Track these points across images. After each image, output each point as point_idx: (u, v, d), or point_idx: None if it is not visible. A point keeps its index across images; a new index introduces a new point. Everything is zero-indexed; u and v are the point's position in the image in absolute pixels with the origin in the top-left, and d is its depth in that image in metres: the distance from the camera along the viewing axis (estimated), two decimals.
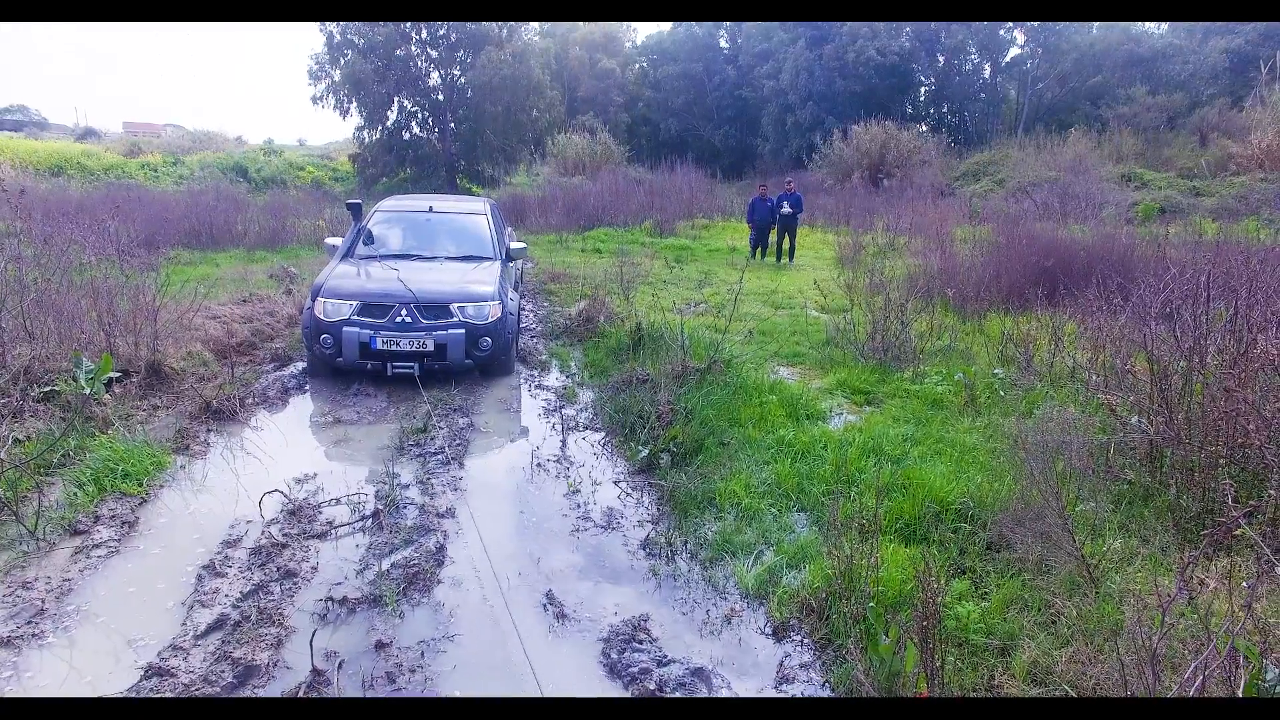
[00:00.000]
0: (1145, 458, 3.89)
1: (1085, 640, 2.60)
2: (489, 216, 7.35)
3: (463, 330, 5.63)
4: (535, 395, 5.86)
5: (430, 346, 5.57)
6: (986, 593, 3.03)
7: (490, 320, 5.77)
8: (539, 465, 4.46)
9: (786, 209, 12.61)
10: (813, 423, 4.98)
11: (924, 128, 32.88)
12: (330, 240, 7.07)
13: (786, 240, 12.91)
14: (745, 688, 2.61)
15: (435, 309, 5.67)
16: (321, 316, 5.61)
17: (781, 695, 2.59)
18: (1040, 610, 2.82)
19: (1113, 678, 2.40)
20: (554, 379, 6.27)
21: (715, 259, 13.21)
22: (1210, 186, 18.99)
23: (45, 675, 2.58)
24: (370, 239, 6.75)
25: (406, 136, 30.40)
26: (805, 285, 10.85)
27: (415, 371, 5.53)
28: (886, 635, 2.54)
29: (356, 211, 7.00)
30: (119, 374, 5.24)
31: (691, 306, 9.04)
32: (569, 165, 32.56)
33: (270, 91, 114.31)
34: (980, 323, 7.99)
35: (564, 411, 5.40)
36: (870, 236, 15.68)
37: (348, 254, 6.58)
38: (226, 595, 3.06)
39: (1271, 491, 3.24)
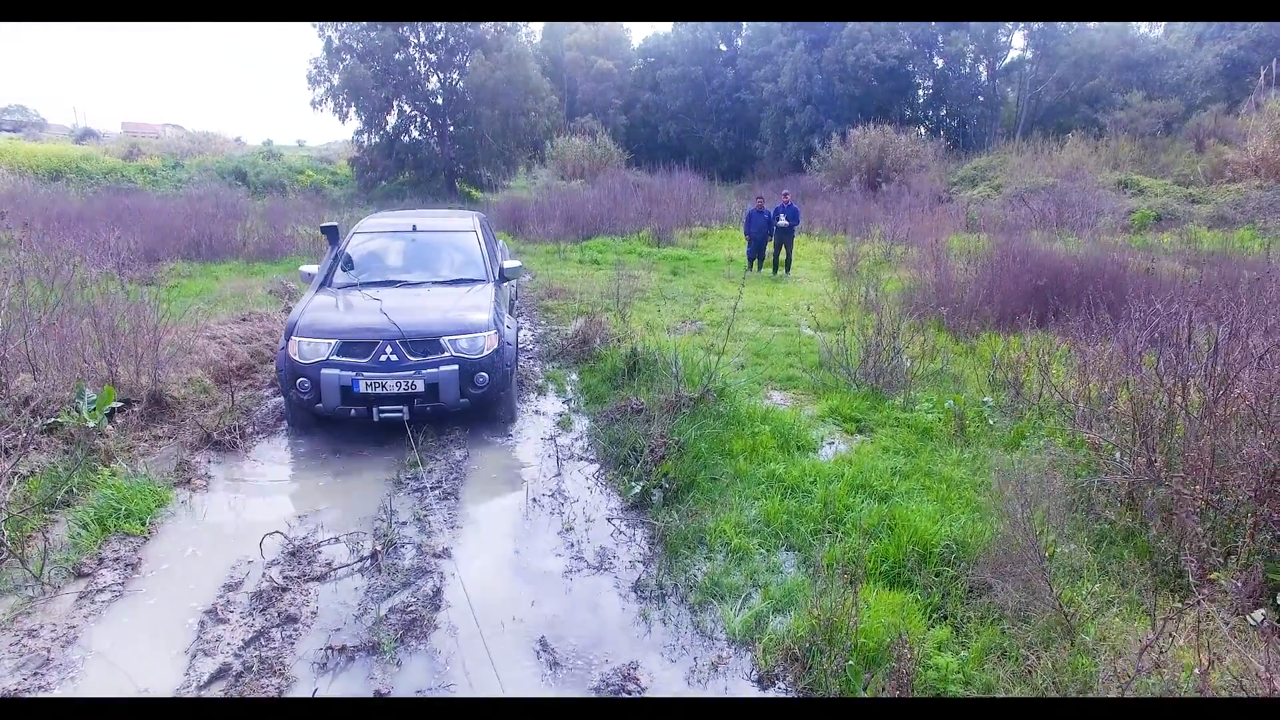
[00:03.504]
0: (1126, 497, 3.98)
1: (1058, 694, 2.69)
2: (479, 233, 6.82)
3: (456, 366, 5.09)
4: (532, 422, 5.93)
5: (420, 387, 5.03)
6: (967, 639, 3.12)
7: (486, 352, 5.27)
8: (535, 501, 4.54)
9: (783, 221, 12.70)
10: (803, 454, 5.07)
11: (922, 131, 32.94)
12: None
13: (783, 252, 12.99)
14: None
15: (424, 343, 5.14)
16: (297, 358, 5.05)
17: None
18: (1018, 660, 2.91)
19: None
20: (550, 404, 6.35)
21: (712, 271, 13.29)
22: (1206, 193, 19.08)
23: None
24: (349, 264, 6.15)
25: (405, 140, 30.46)
26: (801, 300, 10.94)
27: (404, 416, 5.02)
28: (865, 691, 2.63)
29: (333, 235, 6.38)
30: (120, 404, 5.33)
31: (687, 325, 9.12)
32: (569, 168, 32.66)
33: (269, 91, 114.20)
34: (973, 343, 8.08)
35: (559, 441, 5.48)
36: (867, 246, 15.77)
37: (325, 283, 6.01)
38: (229, 643, 3.15)
39: (1244, 539, 3.33)
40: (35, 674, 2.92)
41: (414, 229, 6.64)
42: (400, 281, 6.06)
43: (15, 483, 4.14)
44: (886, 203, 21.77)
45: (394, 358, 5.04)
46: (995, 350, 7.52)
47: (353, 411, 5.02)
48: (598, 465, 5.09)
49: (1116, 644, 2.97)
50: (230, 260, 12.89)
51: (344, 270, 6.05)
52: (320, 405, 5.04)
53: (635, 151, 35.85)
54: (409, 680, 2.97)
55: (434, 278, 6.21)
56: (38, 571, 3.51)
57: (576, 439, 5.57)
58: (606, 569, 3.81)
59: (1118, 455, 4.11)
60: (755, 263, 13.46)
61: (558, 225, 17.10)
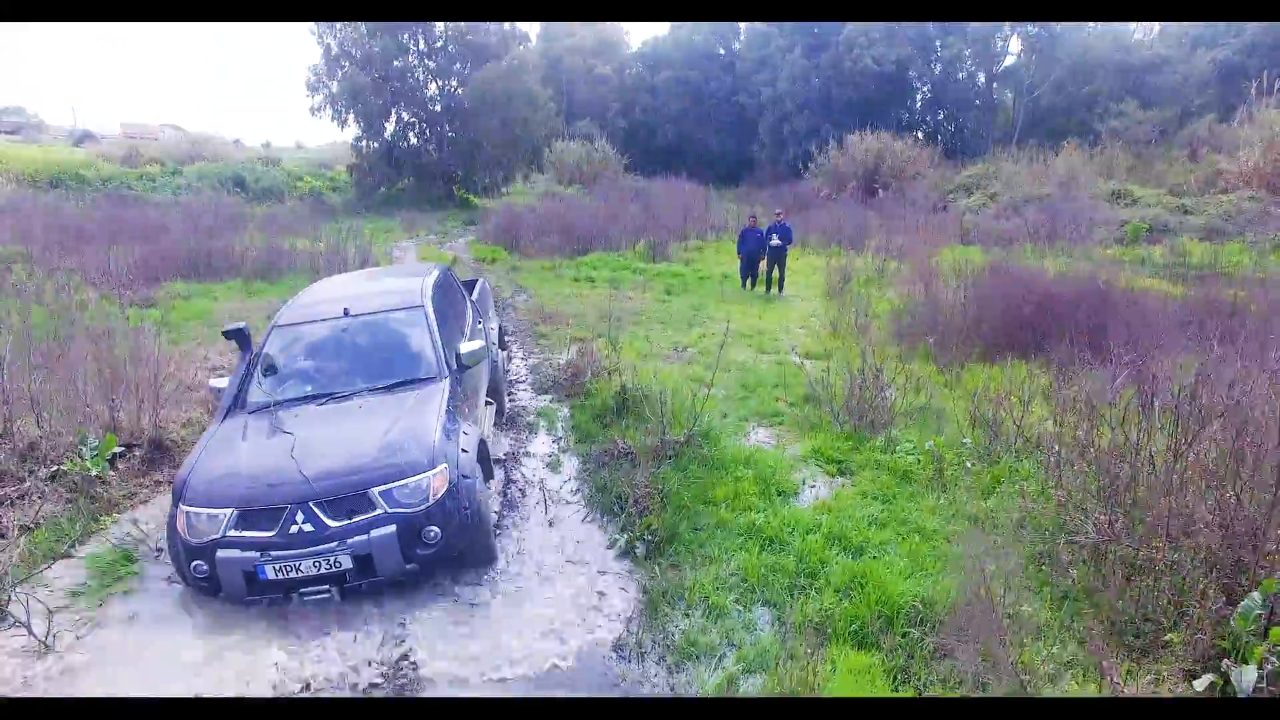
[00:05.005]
0: (1090, 555, 4.13)
1: None
2: (428, 308, 5.27)
3: (392, 527, 3.85)
4: (520, 464, 6.07)
5: (346, 563, 3.81)
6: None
7: (434, 499, 3.97)
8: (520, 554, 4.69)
9: (776, 241, 12.84)
10: (784, 500, 5.23)
11: (920, 135, 33.07)
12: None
13: (776, 271, 13.13)
14: None
15: (346, 501, 3.88)
16: (186, 535, 3.86)
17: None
18: None
19: None
20: (540, 444, 6.48)
21: (707, 289, 13.44)
22: (1199, 204, 19.21)
23: None
24: (270, 368, 4.89)
25: (404, 147, 30.57)
26: (792, 323, 11.10)
27: (333, 597, 3.88)
28: None
29: (242, 340, 5.01)
30: (122, 448, 5.48)
31: (679, 353, 9.28)
32: (566, 173, 32.84)
33: (268, 91, 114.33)
34: (960, 373, 8.23)
35: (546, 486, 5.61)
36: (862, 260, 15.92)
37: (234, 405, 4.73)
38: None
39: (1194, 605, 3.48)
40: None
41: (346, 313, 5.14)
42: (326, 395, 4.69)
43: (21, 539, 4.30)
44: (883, 209, 21.96)
45: (308, 527, 3.81)
46: (978, 385, 7.68)
47: (265, 601, 3.91)
48: (585, 510, 5.24)
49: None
50: (229, 280, 13.04)
51: (264, 376, 4.84)
52: (221, 593, 3.89)
53: (633, 155, 36.00)
54: None
55: (370, 381, 4.81)
56: (44, 637, 3.67)
57: (566, 481, 5.70)
58: (592, 629, 3.95)
59: (1083, 515, 4.26)
60: (749, 281, 13.60)
61: (554, 239, 17.25)
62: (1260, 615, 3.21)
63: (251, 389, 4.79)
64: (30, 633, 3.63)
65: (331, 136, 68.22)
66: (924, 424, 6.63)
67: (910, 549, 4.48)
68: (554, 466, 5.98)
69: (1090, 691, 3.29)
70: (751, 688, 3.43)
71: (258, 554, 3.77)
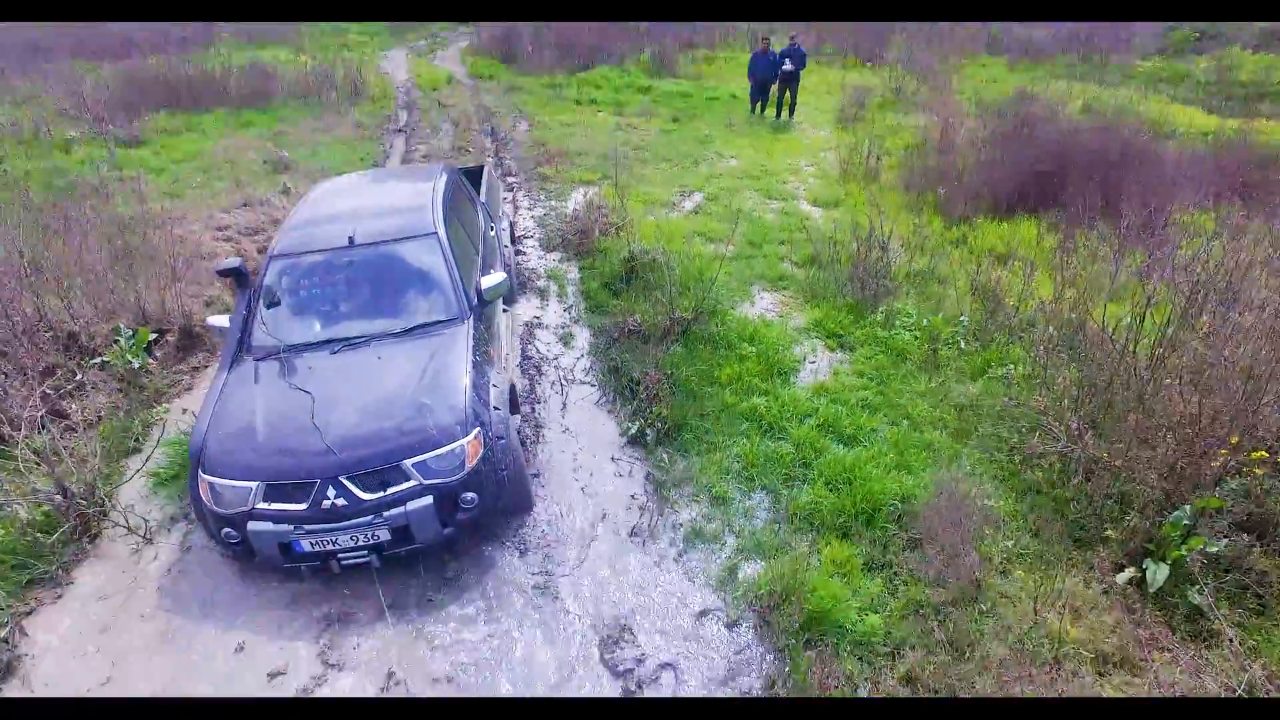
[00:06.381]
0: (1057, 456, 4.55)
1: (950, 652, 3.46)
2: (441, 234, 4.85)
3: (429, 498, 3.75)
4: (535, 338, 6.35)
5: (384, 535, 3.76)
6: (896, 591, 3.85)
7: (470, 467, 3.84)
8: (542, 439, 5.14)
9: (788, 66, 12.03)
10: (784, 382, 5.59)
11: None
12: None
13: (787, 95, 12.45)
14: (697, 676, 3.49)
15: (377, 475, 3.74)
16: (212, 505, 3.77)
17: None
18: (930, 618, 3.65)
19: (968, 679, 3.29)
20: (553, 314, 6.71)
21: (714, 115, 12.85)
22: None
23: None
24: (273, 300, 4.55)
25: None
26: (801, 159, 10.79)
27: (374, 563, 3.84)
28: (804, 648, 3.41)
29: (239, 278, 4.62)
30: (155, 335, 5.75)
31: (685, 197, 9.18)
32: None
33: None
34: (971, 226, 8.22)
35: (560, 363, 5.95)
36: (879, 76, 14.97)
37: (240, 349, 4.40)
38: None
39: (1135, 510, 3.96)
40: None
41: (351, 242, 4.74)
42: (339, 340, 4.37)
43: (91, 435, 4.72)
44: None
45: (341, 502, 3.69)
46: (986, 245, 7.75)
47: (303, 568, 3.88)
48: (598, 391, 5.61)
49: (1015, 600, 3.71)
50: (215, 110, 12.43)
51: (266, 308, 4.52)
52: (257, 559, 3.86)
53: None
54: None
55: (386, 323, 4.48)
56: (145, 533, 4.19)
57: (579, 357, 6.02)
58: (606, 519, 4.47)
59: (1057, 421, 4.61)
60: (758, 105, 12.94)
61: (553, 54, 16.09)
62: (1186, 525, 3.68)
63: (256, 331, 4.43)
64: (129, 529, 4.15)
65: None
66: (925, 293, 6.82)
67: (898, 438, 4.91)
68: (567, 341, 6.27)
69: (1031, 582, 3.84)
70: (750, 573, 4.00)
71: (291, 528, 3.67)
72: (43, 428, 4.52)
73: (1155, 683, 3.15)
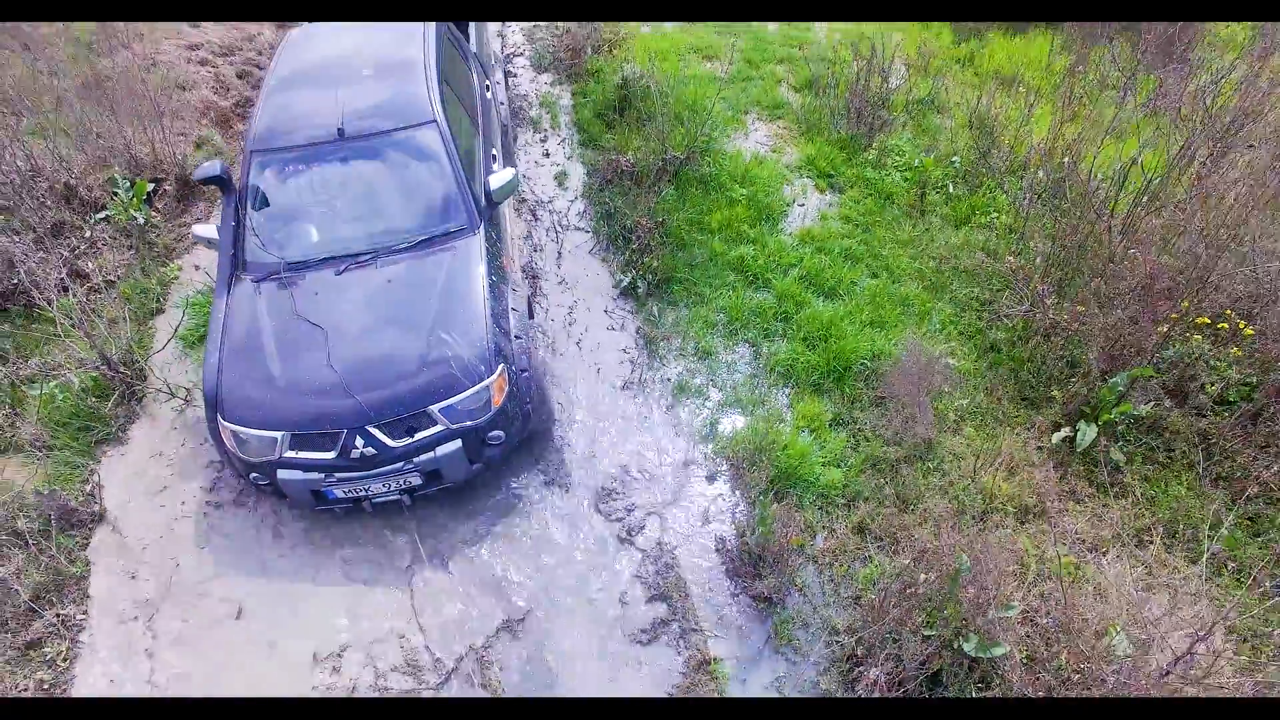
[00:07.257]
0: (1021, 317, 4.84)
1: (897, 505, 4.05)
2: (441, 122, 4.41)
3: (458, 442, 3.80)
4: (531, 180, 6.34)
5: (416, 480, 3.84)
6: (858, 446, 4.38)
7: (496, 406, 3.86)
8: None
9: None
10: (772, 228, 5.72)
11: None
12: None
13: None
14: (679, 522, 4.14)
15: (406, 420, 3.73)
16: (237, 452, 3.77)
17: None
18: (884, 473, 4.21)
19: (910, 530, 3.91)
20: (547, 149, 6.61)
21: None
22: None
23: None
24: (263, 201, 4.25)
25: None
26: None
27: (406, 502, 3.97)
28: (773, 500, 4.02)
29: (222, 184, 4.25)
30: (152, 185, 5.77)
31: None
32: None
33: None
34: (982, 41, 7.74)
35: (554, 206, 6.03)
36: None
37: (235, 267, 4.16)
38: None
39: (1080, 374, 4.36)
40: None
41: (340, 134, 4.29)
42: (339, 257, 4.11)
43: (114, 295, 5.01)
44: None
45: (369, 450, 3.68)
46: (994, 65, 7.38)
47: (337, 510, 4.00)
48: (591, 238, 5.77)
49: (961, 455, 4.25)
50: None
51: (255, 210, 4.24)
52: (289, 501, 3.96)
53: None
54: None
55: (389, 234, 4.20)
56: (184, 395, 4.63)
57: (573, 200, 6.08)
58: (602, 371, 4.90)
59: (1026, 282, 4.84)
60: None
61: None
62: (1120, 391, 4.11)
63: (250, 245, 4.16)
64: (171, 393, 4.59)
65: None
66: (922, 125, 6.67)
67: (876, 291, 5.19)
68: (561, 181, 6.27)
69: (980, 439, 4.35)
70: (730, 425, 4.52)
71: (322, 476, 3.70)
72: (65, 289, 4.79)
73: (1060, 531, 3.77)
